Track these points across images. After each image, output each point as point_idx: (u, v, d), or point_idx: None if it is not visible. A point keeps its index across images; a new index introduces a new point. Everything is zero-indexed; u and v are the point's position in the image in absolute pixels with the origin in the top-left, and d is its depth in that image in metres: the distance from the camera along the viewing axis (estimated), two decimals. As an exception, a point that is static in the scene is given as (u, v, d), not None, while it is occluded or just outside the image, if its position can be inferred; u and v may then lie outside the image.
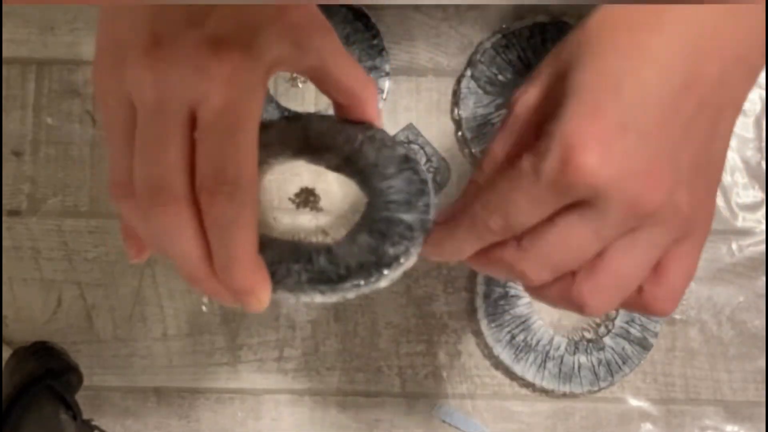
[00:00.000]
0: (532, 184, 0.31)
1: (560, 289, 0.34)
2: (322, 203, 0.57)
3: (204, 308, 0.59)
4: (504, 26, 0.59)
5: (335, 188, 0.58)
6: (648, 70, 0.31)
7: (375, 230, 0.35)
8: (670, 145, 0.31)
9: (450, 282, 0.59)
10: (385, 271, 0.34)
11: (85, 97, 0.59)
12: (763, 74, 0.33)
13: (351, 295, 0.34)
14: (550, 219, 0.32)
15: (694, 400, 0.59)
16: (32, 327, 0.59)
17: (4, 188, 0.59)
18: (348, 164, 0.38)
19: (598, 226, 0.31)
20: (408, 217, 0.35)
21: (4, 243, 0.59)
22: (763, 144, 0.60)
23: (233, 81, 0.31)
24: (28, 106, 0.60)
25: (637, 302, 0.35)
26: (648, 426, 0.59)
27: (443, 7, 0.60)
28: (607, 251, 0.33)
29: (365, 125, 0.38)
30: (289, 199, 0.56)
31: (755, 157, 0.60)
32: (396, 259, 0.34)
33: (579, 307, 0.34)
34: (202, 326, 0.59)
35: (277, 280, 0.34)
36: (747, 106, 0.60)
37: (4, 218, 0.59)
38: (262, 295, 0.34)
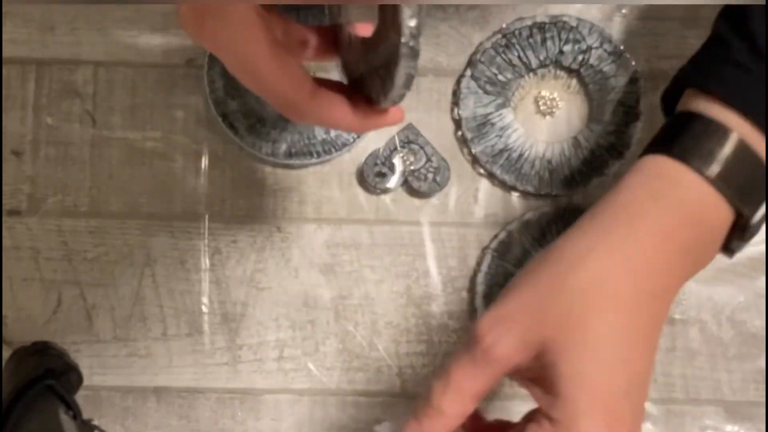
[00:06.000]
0: None
1: None
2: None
3: (204, 308, 0.59)
4: (504, 26, 0.59)
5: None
6: (638, 349, 0.38)
7: None
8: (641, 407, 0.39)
9: (450, 282, 0.59)
10: None
11: (85, 97, 0.59)
12: None
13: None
14: None
15: (694, 400, 0.59)
16: (32, 327, 0.59)
17: (4, 188, 0.59)
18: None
19: None
20: None
21: (4, 243, 0.59)
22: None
23: None
24: (28, 106, 0.60)
25: None
26: (648, 426, 0.59)
27: (443, 7, 0.60)
28: None
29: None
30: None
31: (755, 157, 0.60)
32: None
33: None
34: (202, 326, 0.59)
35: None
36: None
37: (4, 218, 0.59)
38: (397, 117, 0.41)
